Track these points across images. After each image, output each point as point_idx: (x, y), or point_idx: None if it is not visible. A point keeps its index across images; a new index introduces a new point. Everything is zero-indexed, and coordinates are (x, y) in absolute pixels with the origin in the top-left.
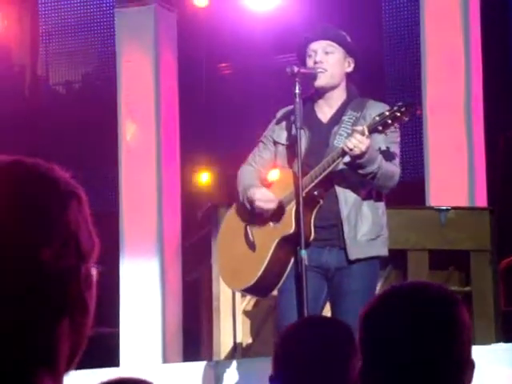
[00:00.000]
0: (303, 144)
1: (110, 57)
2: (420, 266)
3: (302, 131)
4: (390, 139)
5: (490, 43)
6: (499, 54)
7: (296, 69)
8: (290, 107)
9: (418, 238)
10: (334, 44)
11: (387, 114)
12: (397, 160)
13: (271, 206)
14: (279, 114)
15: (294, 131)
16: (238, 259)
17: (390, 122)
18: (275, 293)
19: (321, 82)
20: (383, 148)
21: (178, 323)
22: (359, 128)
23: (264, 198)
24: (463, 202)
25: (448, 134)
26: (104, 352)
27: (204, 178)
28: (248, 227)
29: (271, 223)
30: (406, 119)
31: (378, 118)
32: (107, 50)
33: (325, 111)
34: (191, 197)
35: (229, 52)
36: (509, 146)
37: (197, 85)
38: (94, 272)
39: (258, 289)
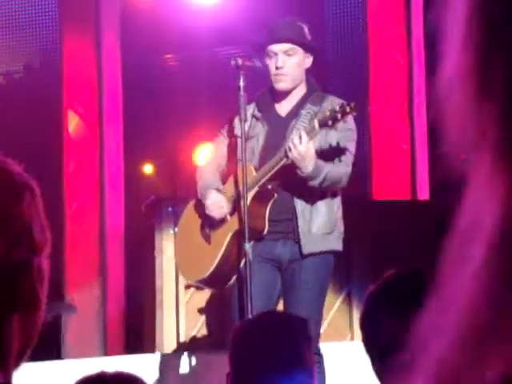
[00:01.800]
0: (261, 138)
1: (53, 47)
2: None
3: (261, 125)
4: (346, 137)
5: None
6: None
7: (241, 62)
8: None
9: None
10: (295, 46)
11: (337, 109)
12: (349, 158)
13: (219, 214)
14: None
15: (248, 124)
16: (194, 251)
17: (339, 116)
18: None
19: (282, 85)
20: (335, 145)
21: (121, 316)
22: (310, 125)
23: (215, 206)
24: (405, 195)
25: (390, 126)
26: (45, 344)
27: (148, 169)
28: (205, 220)
29: (226, 217)
30: (355, 114)
31: (328, 113)
32: (50, 40)
33: (283, 105)
34: (135, 188)
35: (174, 43)
36: None
37: (142, 76)
38: (45, 266)
39: (213, 281)
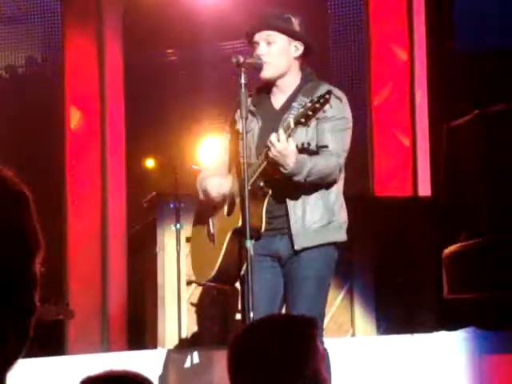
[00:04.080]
0: (256, 133)
1: (55, 43)
2: None
3: (256, 120)
4: (336, 127)
5: (435, 33)
6: (443, 44)
7: (242, 59)
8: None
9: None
10: (275, 33)
11: (309, 105)
12: (341, 148)
13: (222, 190)
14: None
15: (242, 121)
16: (202, 252)
17: (310, 113)
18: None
19: (265, 73)
20: (327, 138)
21: (123, 312)
22: (285, 122)
23: (215, 187)
24: (407, 191)
25: (392, 124)
26: (48, 340)
27: (150, 163)
28: (210, 220)
29: (226, 216)
30: (327, 106)
31: (301, 110)
32: (52, 36)
33: (278, 98)
34: (137, 182)
35: (176, 38)
36: (451, 136)
37: (144, 70)
38: (39, 270)
39: (221, 279)
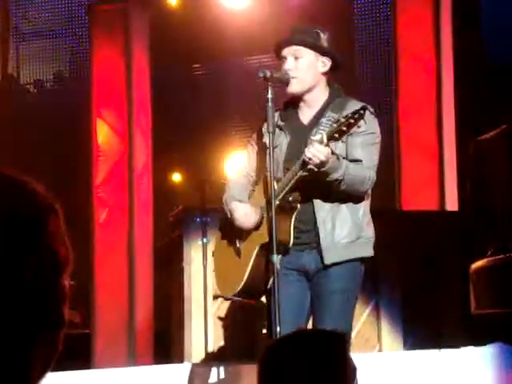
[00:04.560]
0: (284, 148)
1: (83, 56)
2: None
3: (284, 135)
4: (366, 141)
5: (464, 45)
6: (472, 57)
7: (268, 73)
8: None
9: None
10: (303, 48)
11: (342, 120)
12: (371, 163)
13: (249, 224)
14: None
15: (269, 136)
16: (227, 266)
17: (345, 129)
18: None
19: (292, 88)
20: (357, 152)
21: (149, 325)
22: (318, 137)
23: (244, 217)
24: (434, 205)
25: (419, 138)
26: (75, 354)
27: (176, 177)
28: (236, 235)
29: (253, 231)
30: (361, 123)
31: (334, 126)
32: (80, 50)
33: (306, 113)
34: (164, 197)
35: (203, 52)
36: (478, 150)
37: (171, 84)
38: (67, 285)
39: (247, 294)
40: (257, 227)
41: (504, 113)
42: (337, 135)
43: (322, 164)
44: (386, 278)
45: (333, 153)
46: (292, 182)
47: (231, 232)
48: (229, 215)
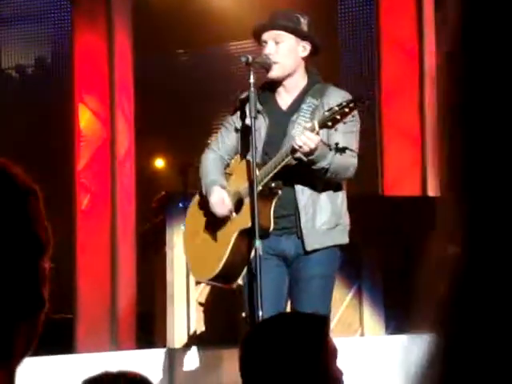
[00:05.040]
0: (262, 132)
1: (65, 42)
2: None
3: (262, 118)
4: (347, 129)
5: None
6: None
7: (250, 58)
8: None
9: None
10: (283, 32)
11: (336, 109)
12: (353, 150)
13: (223, 211)
14: (242, 97)
15: (248, 120)
16: (202, 250)
17: (338, 117)
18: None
19: (273, 73)
20: (338, 139)
21: (132, 310)
22: (309, 125)
23: (219, 203)
24: (416, 191)
25: (402, 124)
26: (57, 338)
27: (159, 163)
28: (210, 217)
29: (232, 214)
30: (354, 113)
31: (327, 114)
32: (61, 35)
33: (284, 98)
34: (146, 182)
35: (186, 38)
36: None
37: (154, 71)
38: (48, 267)
39: (222, 279)
40: (236, 210)
41: None
42: (330, 123)
43: (311, 152)
44: (369, 263)
45: (321, 141)
46: (278, 168)
47: (206, 215)
48: (204, 191)
